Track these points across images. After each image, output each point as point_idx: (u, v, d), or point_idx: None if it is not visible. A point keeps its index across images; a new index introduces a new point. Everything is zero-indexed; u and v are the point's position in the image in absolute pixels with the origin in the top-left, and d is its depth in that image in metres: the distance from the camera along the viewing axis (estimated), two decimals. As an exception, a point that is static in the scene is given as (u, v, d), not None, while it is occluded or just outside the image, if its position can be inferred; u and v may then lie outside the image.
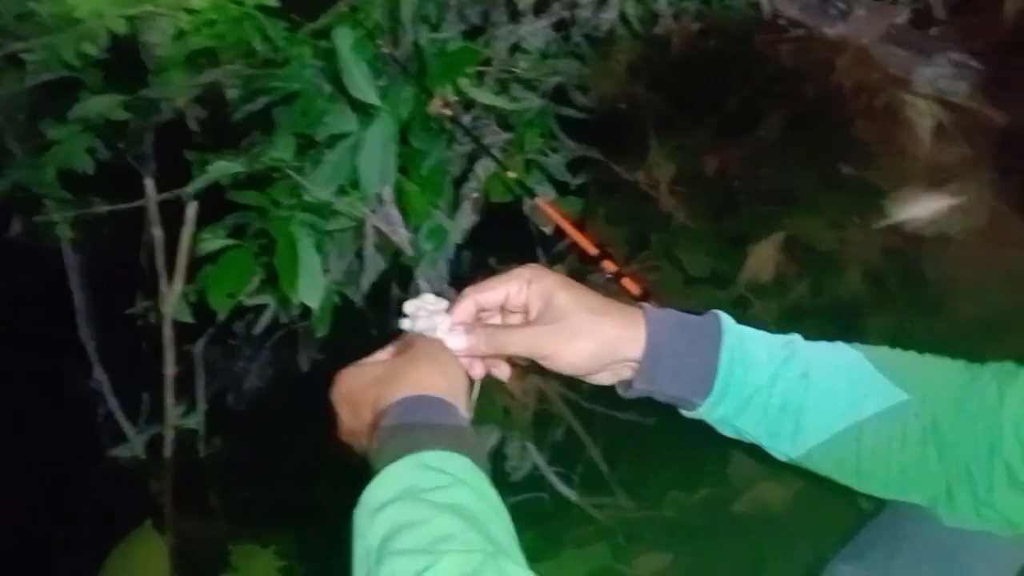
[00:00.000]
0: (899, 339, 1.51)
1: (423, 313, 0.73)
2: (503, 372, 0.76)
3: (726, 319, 0.72)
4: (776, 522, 1.33)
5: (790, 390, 0.69)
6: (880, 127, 1.41)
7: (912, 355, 0.73)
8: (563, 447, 1.44)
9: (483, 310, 0.75)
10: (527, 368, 0.78)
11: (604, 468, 1.43)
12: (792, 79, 1.44)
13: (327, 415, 0.71)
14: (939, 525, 0.70)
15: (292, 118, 1.29)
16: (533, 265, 0.74)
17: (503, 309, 0.75)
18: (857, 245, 1.41)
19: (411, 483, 0.57)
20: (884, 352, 0.72)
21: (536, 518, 1.41)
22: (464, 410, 0.66)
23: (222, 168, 1.23)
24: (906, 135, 1.36)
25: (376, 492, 0.57)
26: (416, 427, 0.61)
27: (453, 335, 0.72)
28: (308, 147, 1.29)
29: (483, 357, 0.74)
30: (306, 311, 1.28)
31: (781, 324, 1.42)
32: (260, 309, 1.38)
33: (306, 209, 1.27)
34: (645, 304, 0.73)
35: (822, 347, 0.72)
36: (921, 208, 1.35)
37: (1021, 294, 1.37)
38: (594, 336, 0.70)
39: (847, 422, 0.69)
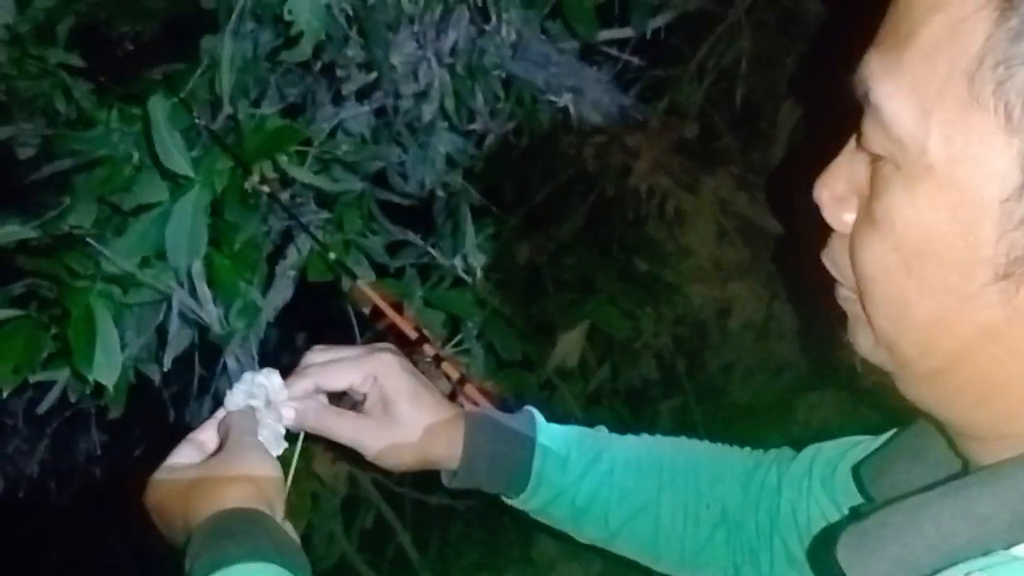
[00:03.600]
0: (685, 419, 1.64)
1: (252, 389, 0.73)
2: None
3: (539, 420, 0.78)
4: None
5: (597, 485, 0.76)
6: (669, 227, 1.56)
7: (706, 444, 0.81)
8: (372, 533, 1.41)
9: (321, 391, 0.76)
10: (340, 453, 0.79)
11: (413, 554, 1.41)
12: (593, 179, 1.56)
13: (114, 503, 0.70)
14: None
15: (94, 184, 1.22)
16: (387, 355, 0.76)
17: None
18: (650, 334, 1.53)
19: None
20: (681, 443, 0.80)
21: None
22: (276, 507, 0.67)
23: (12, 233, 1.13)
24: (692, 236, 1.52)
25: None
26: (223, 539, 0.62)
27: (284, 407, 0.73)
28: (111, 215, 1.22)
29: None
30: (98, 389, 1.19)
31: (585, 407, 1.51)
32: (45, 386, 1.26)
33: (105, 280, 1.19)
34: (466, 409, 0.79)
35: (627, 442, 0.80)
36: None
37: (788, 381, 1.54)
38: (419, 451, 0.75)
39: (647, 510, 0.76)
